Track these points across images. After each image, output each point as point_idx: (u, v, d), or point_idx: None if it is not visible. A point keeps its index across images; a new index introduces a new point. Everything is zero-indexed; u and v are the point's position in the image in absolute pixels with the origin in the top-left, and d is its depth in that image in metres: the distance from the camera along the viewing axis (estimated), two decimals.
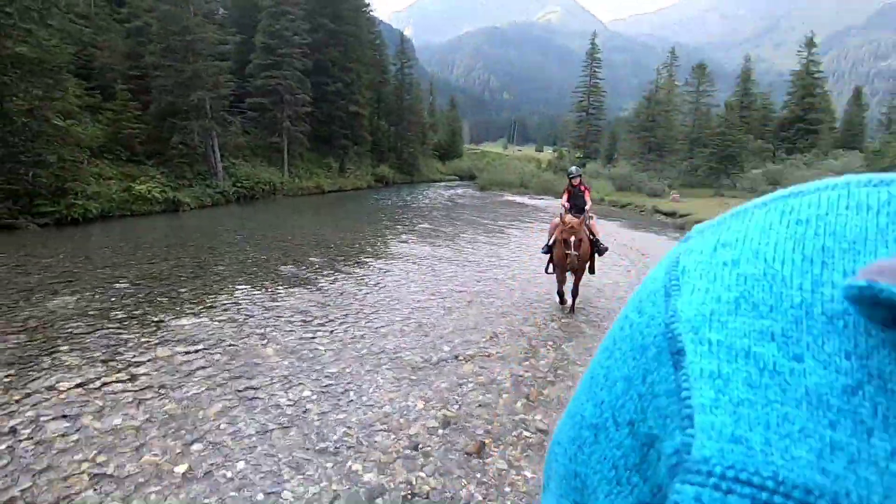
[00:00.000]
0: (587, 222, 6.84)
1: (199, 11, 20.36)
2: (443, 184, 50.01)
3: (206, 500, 2.78)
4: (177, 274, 8.06)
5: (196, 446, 3.30)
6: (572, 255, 6.13)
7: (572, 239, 6.12)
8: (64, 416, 3.57)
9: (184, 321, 5.73)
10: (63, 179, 13.29)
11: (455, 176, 63.21)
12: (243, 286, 7.46)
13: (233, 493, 2.85)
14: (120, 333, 5.27)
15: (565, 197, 7.36)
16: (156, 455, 3.17)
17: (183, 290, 7.09)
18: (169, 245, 10.67)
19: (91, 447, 3.23)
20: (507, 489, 3.04)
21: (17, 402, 3.73)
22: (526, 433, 3.70)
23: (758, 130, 40.75)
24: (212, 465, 3.11)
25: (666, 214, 20.23)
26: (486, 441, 3.57)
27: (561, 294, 6.96)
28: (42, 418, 3.52)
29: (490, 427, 3.76)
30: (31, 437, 3.28)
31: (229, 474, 3.03)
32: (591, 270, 7.14)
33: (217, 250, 10.39)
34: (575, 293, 6.72)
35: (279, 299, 6.86)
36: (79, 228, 12.80)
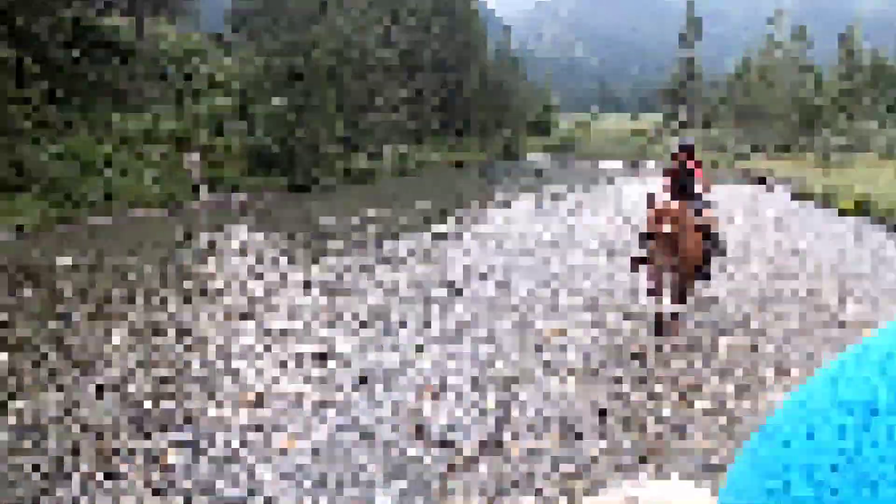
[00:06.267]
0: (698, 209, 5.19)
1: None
2: (542, 154, 55.64)
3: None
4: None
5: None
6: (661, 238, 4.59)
7: (665, 220, 4.62)
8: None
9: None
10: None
11: (549, 149, 68.21)
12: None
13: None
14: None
15: (666, 181, 5.66)
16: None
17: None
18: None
19: None
20: None
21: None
22: None
23: (869, 89, 39.76)
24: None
25: (744, 171, 25.34)
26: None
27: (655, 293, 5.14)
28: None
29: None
30: None
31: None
32: (707, 275, 5.35)
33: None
34: (676, 302, 5.02)
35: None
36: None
